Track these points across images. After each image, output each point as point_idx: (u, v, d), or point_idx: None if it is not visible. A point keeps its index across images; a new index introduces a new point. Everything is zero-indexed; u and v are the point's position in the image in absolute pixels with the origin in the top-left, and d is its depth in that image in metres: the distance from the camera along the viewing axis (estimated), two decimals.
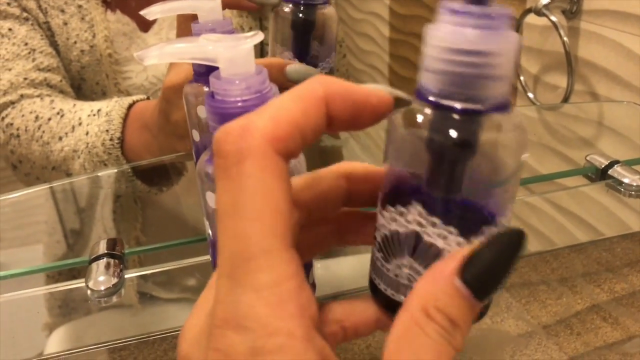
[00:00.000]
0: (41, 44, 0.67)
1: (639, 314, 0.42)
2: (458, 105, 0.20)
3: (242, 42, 0.25)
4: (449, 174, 0.21)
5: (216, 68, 0.26)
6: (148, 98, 0.59)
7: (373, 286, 0.24)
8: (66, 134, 0.60)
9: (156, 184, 0.62)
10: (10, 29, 0.66)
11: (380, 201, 0.23)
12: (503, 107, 0.20)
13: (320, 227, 0.24)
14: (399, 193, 0.22)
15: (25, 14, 0.67)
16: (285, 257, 0.18)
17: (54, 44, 0.69)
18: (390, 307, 0.23)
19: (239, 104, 0.25)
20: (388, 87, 0.21)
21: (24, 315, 0.52)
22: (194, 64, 0.38)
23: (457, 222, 0.21)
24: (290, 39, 0.43)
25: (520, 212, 0.91)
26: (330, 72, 0.45)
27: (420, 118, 0.20)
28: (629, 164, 0.48)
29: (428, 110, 0.20)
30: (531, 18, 0.79)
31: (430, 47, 0.20)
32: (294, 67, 0.41)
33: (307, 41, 0.43)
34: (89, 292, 0.38)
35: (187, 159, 0.58)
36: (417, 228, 0.21)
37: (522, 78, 0.87)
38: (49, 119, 0.61)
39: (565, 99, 0.78)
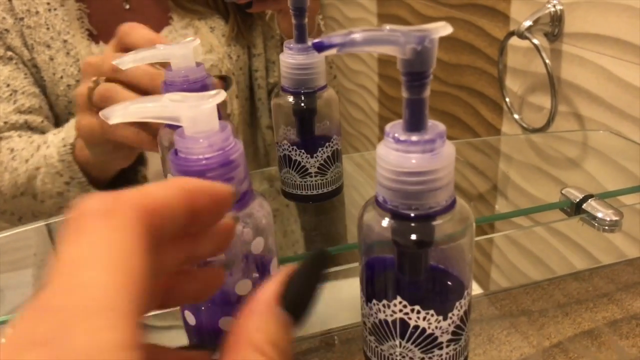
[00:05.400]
0: (24, 84, 0.67)
1: (617, 344, 0.42)
2: (412, 214, 0.24)
3: (204, 101, 0.25)
4: (414, 267, 0.26)
5: None
6: None
7: None
8: (32, 155, 0.61)
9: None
10: None
11: (365, 294, 0.28)
12: (450, 207, 0.25)
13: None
14: (381, 288, 0.27)
15: (9, 53, 0.67)
16: (132, 323, 0.15)
17: (40, 80, 0.69)
18: None
19: (203, 161, 0.26)
20: None
21: None
22: None
23: (432, 303, 0.26)
24: (293, 124, 0.45)
25: (503, 246, 0.91)
26: (336, 151, 0.46)
27: (383, 222, 0.25)
28: (604, 196, 0.49)
29: (388, 217, 0.25)
30: (515, 40, 0.80)
31: (382, 168, 0.24)
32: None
33: (310, 126, 0.45)
34: None
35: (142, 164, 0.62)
36: (402, 316, 0.26)
37: (507, 100, 0.87)
38: (22, 149, 0.62)
39: (549, 121, 0.79)
